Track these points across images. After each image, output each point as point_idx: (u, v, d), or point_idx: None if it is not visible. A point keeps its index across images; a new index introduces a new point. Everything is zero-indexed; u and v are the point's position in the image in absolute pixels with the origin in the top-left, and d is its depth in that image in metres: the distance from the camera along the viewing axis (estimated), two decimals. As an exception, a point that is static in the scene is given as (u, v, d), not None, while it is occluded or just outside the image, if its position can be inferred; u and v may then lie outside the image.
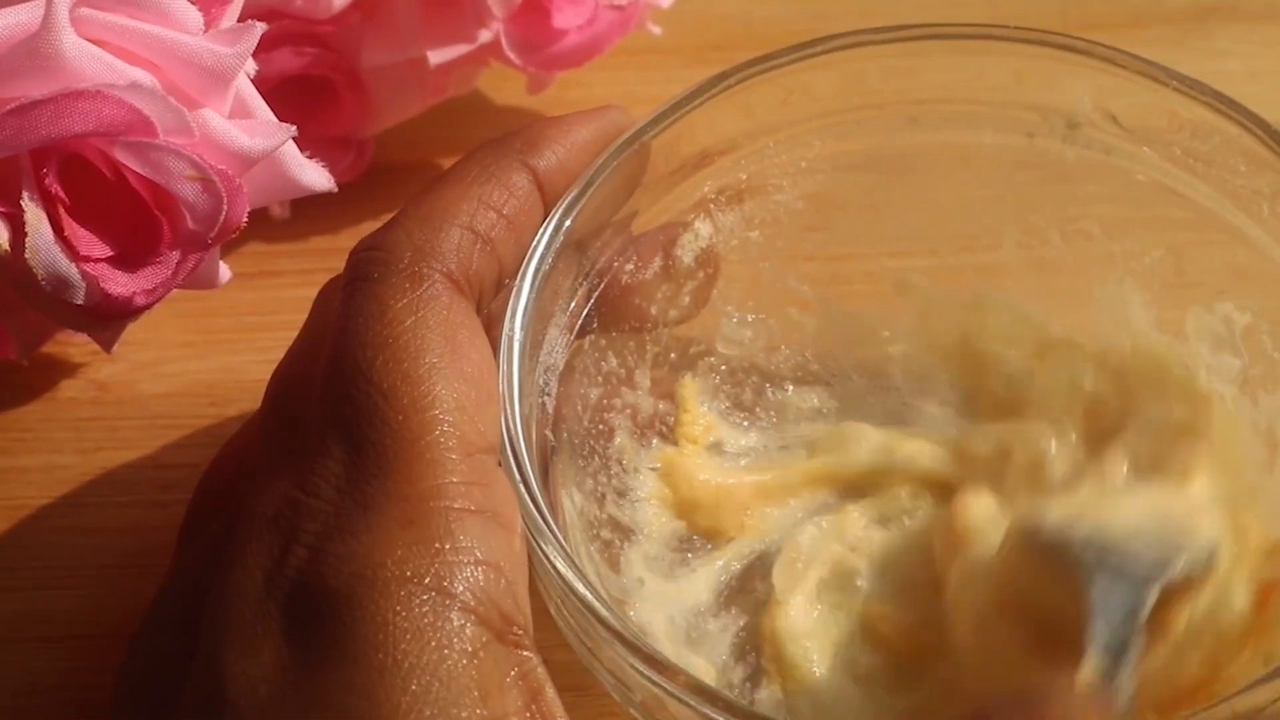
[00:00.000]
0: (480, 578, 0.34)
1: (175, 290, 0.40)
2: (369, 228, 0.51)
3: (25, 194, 0.38)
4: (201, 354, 0.49)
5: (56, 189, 0.38)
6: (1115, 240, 0.43)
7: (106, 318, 0.40)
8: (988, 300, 0.44)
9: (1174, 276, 0.43)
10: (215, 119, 0.39)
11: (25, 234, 0.38)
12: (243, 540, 0.35)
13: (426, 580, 0.34)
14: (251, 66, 0.40)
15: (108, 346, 0.43)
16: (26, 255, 0.38)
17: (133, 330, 0.44)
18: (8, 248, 0.38)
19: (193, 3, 0.39)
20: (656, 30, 0.52)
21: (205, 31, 0.39)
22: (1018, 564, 0.38)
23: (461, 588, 0.34)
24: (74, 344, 0.49)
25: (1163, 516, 0.38)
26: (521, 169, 0.39)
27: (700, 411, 0.44)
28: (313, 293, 0.50)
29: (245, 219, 0.40)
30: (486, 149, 0.40)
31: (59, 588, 0.45)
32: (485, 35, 0.49)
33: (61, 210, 0.38)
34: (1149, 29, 0.56)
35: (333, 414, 0.36)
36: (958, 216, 0.44)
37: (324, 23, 0.49)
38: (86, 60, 0.37)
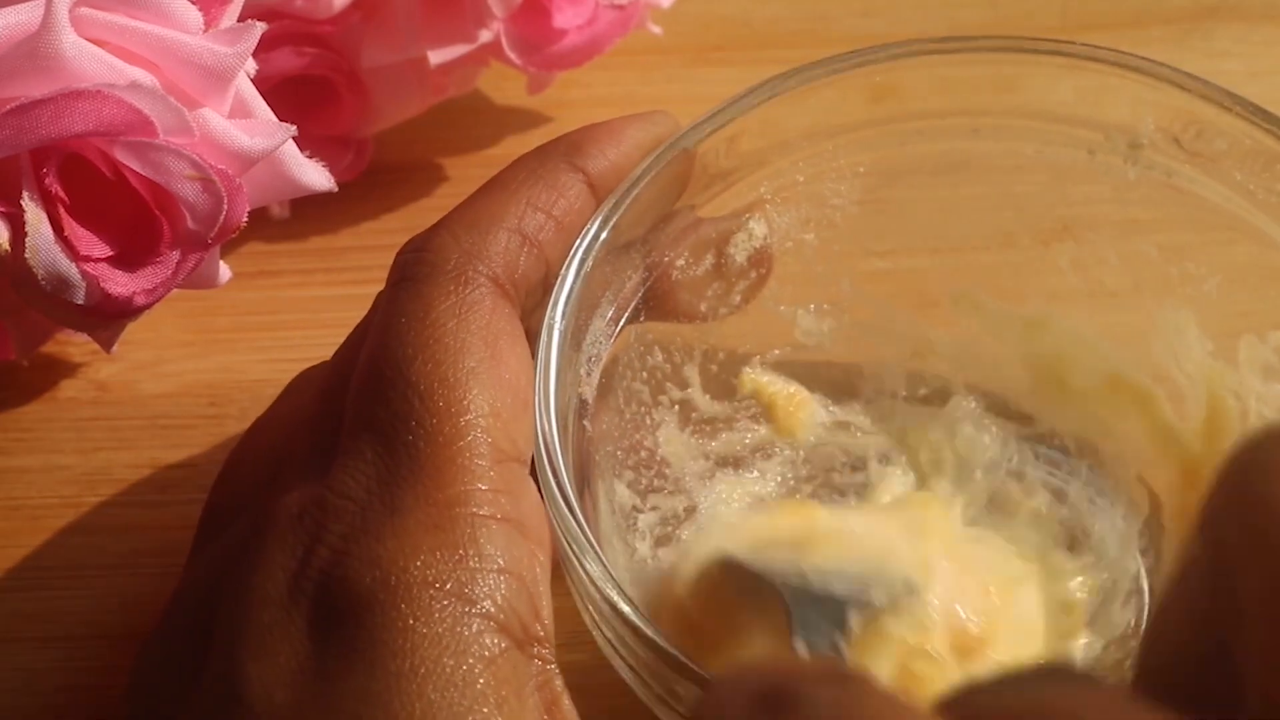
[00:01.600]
0: (502, 586, 0.34)
1: (175, 290, 0.40)
2: (369, 228, 0.51)
3: (25, 194, 0.38)
4: (201, 354, 0.49)
5: (56, 189, 0.38)
6: (1173, 263, 0.43)
7: (106, 317, 0.40)
8: (1048, 322, 0.44)
9: (1229, 303, 0.42)
10: (215, 119, 0.39)
11: (25, 234, 0.38)
12: (266, 539, 0.35)
13: (448, 586, 0.34)
14: (251, 66, 0.40)
15: (108, 346, 0.43)
16: (26, 255, 0.38)
17: (132, 330, 0.44)
18: (8, 247, 0.38)
19: (193, 2, 0.39)
20: (657, 30, 0.52)
21: (205, 31, 0.39)
22: (718, 586, 0.40)
23: (482, 595, 0.34)
24: (74, 344, 0.49)
25: (857, 558, 0.40)
26: (570, 170, 0.39)
27: (783, 385, 0.44)
28: (312, 293, 0.50)
29: (245, 219, 0.40)
30: (532, 153, 0.40)
31: (59, 588, 0.45)
32: (485, 35, 0.49)
33: (61, 210, 0.38)
34: (1149, 29, 0.56)
35: (367, 413, 0.36)
36: (1016, 230, 0.44)
37: (324, 22, 0.49)
38: (86, 60, 0.37)
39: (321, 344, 0.41)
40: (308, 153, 0.42)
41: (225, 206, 0.39)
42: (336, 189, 0.43)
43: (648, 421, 0.42)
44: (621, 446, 0.41)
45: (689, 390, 0.43)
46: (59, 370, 0.48)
